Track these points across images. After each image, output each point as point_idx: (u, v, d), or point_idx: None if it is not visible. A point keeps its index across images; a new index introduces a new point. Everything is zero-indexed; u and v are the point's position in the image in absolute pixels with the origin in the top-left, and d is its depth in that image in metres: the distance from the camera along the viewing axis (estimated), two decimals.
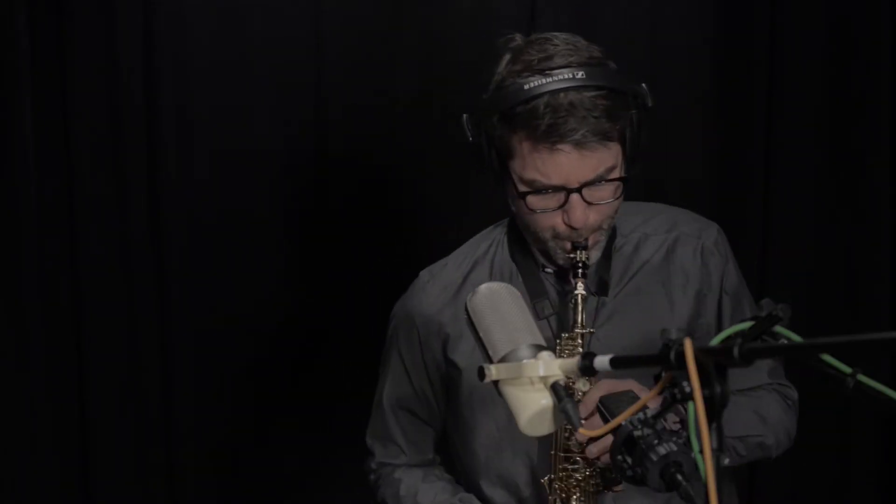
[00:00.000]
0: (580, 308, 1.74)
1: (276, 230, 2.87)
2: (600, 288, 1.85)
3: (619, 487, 1.72)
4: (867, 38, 2.89)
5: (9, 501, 2.73)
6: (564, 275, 1.84)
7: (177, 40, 2.74)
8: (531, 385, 1.34)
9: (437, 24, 2.85)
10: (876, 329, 2.82)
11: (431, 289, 1.93)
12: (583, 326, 1.74)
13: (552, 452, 1.74)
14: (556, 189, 1.71)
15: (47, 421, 2.75)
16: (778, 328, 1.19)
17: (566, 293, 1.83)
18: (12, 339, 2.70)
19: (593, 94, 1.68)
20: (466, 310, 1.47)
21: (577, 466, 1.73)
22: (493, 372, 1.36)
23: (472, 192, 2.88)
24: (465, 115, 1.78)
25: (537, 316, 1.82)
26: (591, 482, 1.73)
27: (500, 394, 1.37)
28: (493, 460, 1.90)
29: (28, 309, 2.70)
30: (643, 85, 1.76)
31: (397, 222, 2.89)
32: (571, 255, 1.75)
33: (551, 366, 1.33)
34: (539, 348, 1.37)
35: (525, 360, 1.35)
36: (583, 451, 1.67)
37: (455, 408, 1.94)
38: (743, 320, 1.21)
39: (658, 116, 2.87)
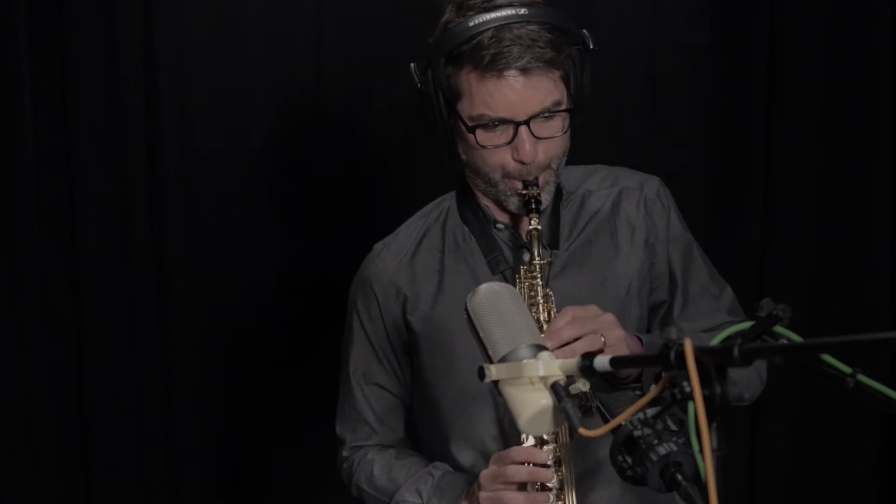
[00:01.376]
0: (536, 242, 1.76)
1: (276, 229, 2.87)
2: (552, 241, 1.88)
3: (590, 414, 1.71)
4: (867, 38, 2.89)
5: (9, 501, 2.73)
6: (517, 228, 1.88)
7: (177, 39, 2.74)
8: (531, 385, 1.34)
9: (436, 24, 2.84)
10: (876, 329, 2.83)
11: (386, 255, 1.97)
12: (540, 258, 1.76)
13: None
14: (504, 122, 1.74)
15: (47, 421, 2.75)
16: (778, 328, 1.19)
17: (519, 247, 1.86)
18: (12, 339, 2.70)
19: (536, 27, 1.72)
20: (466, 310, 1.47)
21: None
22: (493, 372, 1.36)
23: None
24: (412, 65, 1.81)
25: (492, 270, 1.86)
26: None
27: (500, 394, 1.38)
28: (458, 420, 1.91)
29: (28, 309, 2.70)
30: (584, 30, 1.79)
31: (398, 222, 2.88)
32: (523, 192, 1.78)
33: (551, 366, 1.33)
34: (539, 348, 1.37)
35: (525, 360, 1.35)
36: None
37: (419, 373, 1.96)
38: (746, 319, 1.21)
39: (658, 116, 2.92)
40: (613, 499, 1.85)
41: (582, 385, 1.65)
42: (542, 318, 1.74)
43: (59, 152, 2.70)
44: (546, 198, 1.83)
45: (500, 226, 1.90)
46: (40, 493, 2.75)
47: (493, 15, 1.72)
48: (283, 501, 2.91)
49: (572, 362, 1.30)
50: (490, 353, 1.40)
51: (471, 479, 1.84)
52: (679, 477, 1.21)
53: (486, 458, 1.86)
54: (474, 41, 1.72)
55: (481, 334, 1.43)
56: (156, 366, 2.81)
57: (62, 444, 2.77)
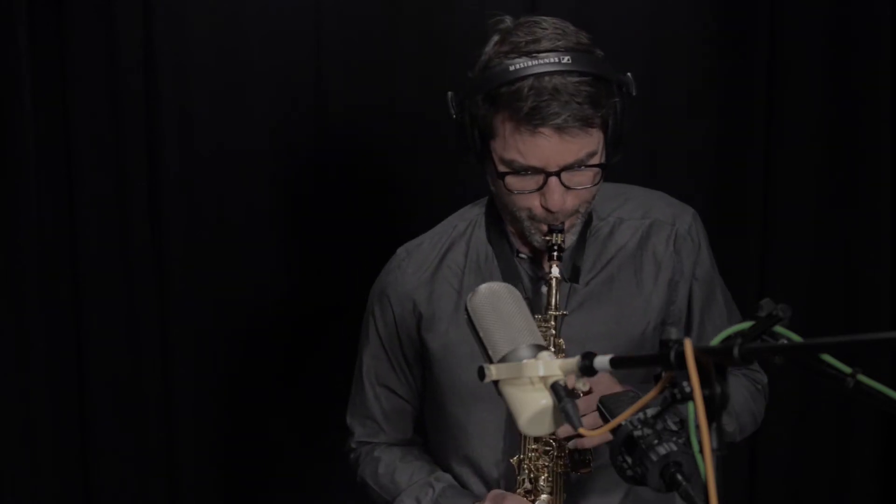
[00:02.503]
0: (554, 291, 1.75)
1: (276, 229, 2.87)
2: (573, 274, 1.86)
3: (587, 470, 1.75)
4: (867, 38, 2.89)
5: (9, 501, 2.73)
6: (538, 261, 1.87)
7: (177, 39, 2.75)
8: (531, 385, 1.34)
9: (437, 24, 2.85)
10: (876, 329, 2.83)
11: (407, 267, 1.95)
12: (556, 309, 1.75)
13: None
14: (535, 171, 1.72)
15: (47, 421, 2.75)
16: (778, 328, 1.19)
17: (539, 279, 1.85)
18: (12, 339, 2.70)
19: (577, 79, 1.68)
20: (466, 310, 1.47)
21: (547, 448, 1.76)
22: (493, 372, 1.36)
23: (470, 193, 2.87)
24: (449, 93, 1.78)
25: None
26: (560, 463, 1.76)
27: (500, 394, 1.37)
28: (459, 440, 1.92)
29: (28, 309, 2.70)
30: (628, 74, 1.76)
31: (397, 222, 2.88)
32: (547, 238, 1.77)
33: (551, 366, 1.33)
34: (539, 348, 1.37)
35: (525, 360, 1.35)
36: (553, 434, 1.66)
37: (430, 388, 1.96)
38: (745, 320, 1.21)
39: (658, 115, 2.91)
40: None
41: (582, 385, 1.65)
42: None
43: (59, 152, 2.70)
44: (571, 238, 1.82)
45: (522, 255, 1.89)
46: (40, 493, 2.75)
47: (535, 62, 1.68)
48: (283, 501, 2.92)
49: (572, 362, 1.30)
50: (490, 353, 1.40)
51: (470, 498, 1.87)
52: (679, 477, 1.21)
53: (483, 479, 1.89)
54: (513, 86, 1.68)
55: (481, 334, 1.43)
56: (156, 366, 2.81)
57: (62, 444, 2.77)
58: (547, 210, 1.75)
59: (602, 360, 1.26)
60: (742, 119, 2.93)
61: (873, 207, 2.94)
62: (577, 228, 1.83)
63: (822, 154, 2.94)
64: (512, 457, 1.79)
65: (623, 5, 2.88)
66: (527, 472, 1.76)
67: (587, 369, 1.28)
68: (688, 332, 1.92)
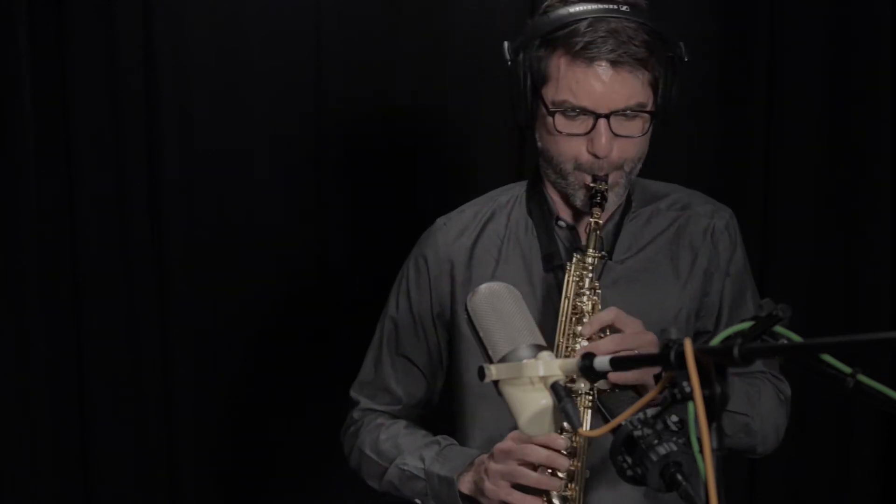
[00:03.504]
0: (594, 236, 1.75)
1: (276, 229, 2.87)
2: (609, 252, 1.86)
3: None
4: (867, 38, 2.89)
5: (9, 501, 2.73)
6: (577, 230, 1.87)
7: (177, 39, 2.74)
8: (531, 385, 1.34)
9: (436, 24, 2.85)
10: (876, 329, 2.83)
11: (449, 230, 1.95)
12: (596, 251, 1.74)
13: None
14: (585, 112, 1.73)
15: (47, 421, 2.75)
16: (778, 328, 1.19)
17: (576, 249, 1.83)
18: (12, 339, 2.70)
19: (635, 25, 1.72)
20: (466, 310, 1.47)
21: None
22: (493, 372, 1.36)
23: (470, 194, 2.87)
24: (505, 42, 1.79)
25: (545, 266, 1.86)
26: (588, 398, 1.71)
27: (500, 394, 1.37)
28: (481, 414, 1.90)
29: (28, 309, 2.70)
30: (682, 42, 1.79)
31: (397, 222, 2.88)
32: (591, 185, 1.76)
33: (551, 366, 1.33)
34: (539, 348, 1.37)
35: (525, 360, 1.35)
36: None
37: (454, 356, 1.95)
38: (744, 320, 1.21)
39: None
40: (619, 498, 1.84)
41: (582, 385, 1.65)
42: (586, 309, 1.73)
43: (59, 152, 2.70)
44: (614, 199, 1.82)
45: (561, 223, 1.90)
46: (40, 493, 2.75)
47: (594, 6, 1.72)
48: (283, 501, 2.91)
49: (572, 362, 1.30)
50: (490, 353, 1.40)
51: (476, 452, 1.84)
52: (679, 477, 1.21)
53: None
54: (570, 27, 1.71)
55: (481, 334, 1.43)
56: (156, 366, 2.81)
57: (62, 444, 2.77)
58: (594, 156, 1.75)
59: (602, 360, 1.26)
60: (742, 119, 2.93)
61: (873, 207, 2.94)
62: (620, 192, 1.83)
63: (822, 154, 2.94)
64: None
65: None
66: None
67: (587, 369, 1.28)
68: (716, 330, 1.91)
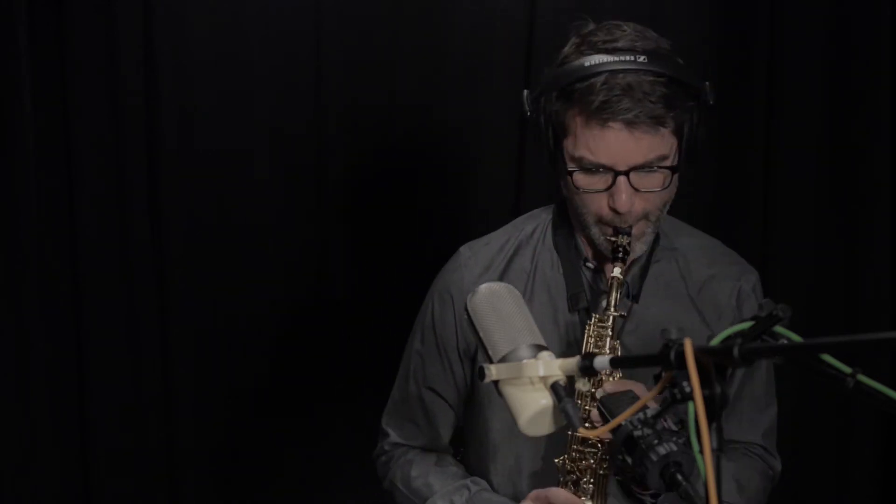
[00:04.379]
0: (615, 291, 1.72)
1: (276, 229, 2.87)
2: (634, 295, 1.84)
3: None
4: (867, 38, 2.89)
5: (9, 501, 2.73)
6: (601, 273, 1.84)
7: (177, 39, 2.74)
8: (531, 385, 1.34)
9: (436, 24, 2.85)
10: (876, 329, 2.83)
11: (474, 266, 1.91)
12: (615, 309, 1.71)
13: (569, 434, 1.73)
14: (604, 169, 1.70)
15: (47, 421, 2.75)
16: (778, 328, 1.19)
17: (599, 293, 1.82)
18: (12, 339, 2.70)
19: (652, 79, 1.67)
20: (466, 310, 1.47)
21: (592, 450, 1.72)
22: (493, 372, 1.36)
23: (470, 194, 2.88)
24: (525, 91, 1.77)
25: (570, 307, 1.83)
26: (603, 465, 1.72)
27: (500, 394, 1.37)
28: (503, 447, 1.89)
29: (28, 309, 2.70)
30: (707, 83, 1.74)
31: (397, 222, 2.88)
32: (613, 239, 1.73)
33: (551, 366, 1.33)
34: (539, 348, 1.37)
35: (525, 360, 1.35)
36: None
37: (476, 391, 1.93)
38: (744, 320, 1.21)
39: None
40: None
41: (582, 385, 1.65)
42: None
43: (59, 152, 2.70)
44: (639, 248, 1.79)
45: (589, 265, 1.87)
46: (40, 493, 2.75)
47: (610, 58, 1.67)
48: (283, 501, 2.91)
49: (572, 362, 1.30)
50: (490, 353, 1.40)
51: (506, 501, 1.84)
52: (679, 477, 1.21)
53: (517, 488, 1.87)
54: (586, 82, 1.67)
55: (481, 334, 1.43)
56: (156, 366, 2.81)
57: (62, 444, 2.77)
58: (614, 212, 1.72)
59: (602, 360, 1.26)
60: (742, 119, 2.93)
61: (873, 207, 2.94)
62: (647, 240, 1.80)
63: (822, 154, 2.94)
64: (555, 458, 1.76)
65: (622, 5, 2.87)
66: (569, 472, 1.73)
67: (587, 369, 1.28)
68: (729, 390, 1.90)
